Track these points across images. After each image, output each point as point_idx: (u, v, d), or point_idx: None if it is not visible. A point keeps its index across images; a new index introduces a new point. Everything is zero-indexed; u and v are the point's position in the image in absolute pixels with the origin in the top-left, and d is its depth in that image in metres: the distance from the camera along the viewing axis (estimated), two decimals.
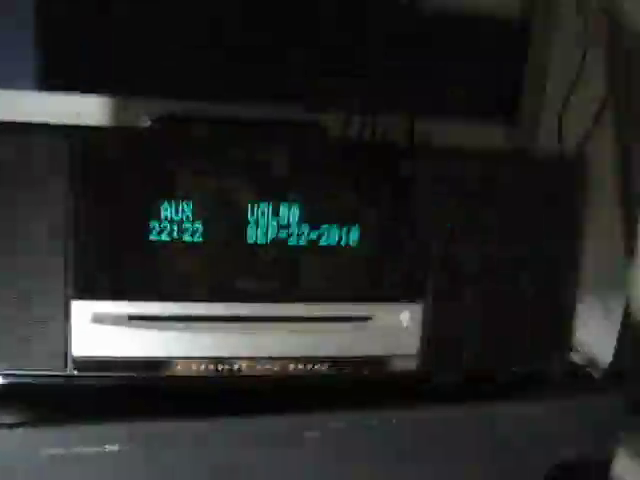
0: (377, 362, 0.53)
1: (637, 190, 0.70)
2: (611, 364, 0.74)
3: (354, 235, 0.51)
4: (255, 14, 0.80)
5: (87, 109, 0.84)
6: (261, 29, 0.81)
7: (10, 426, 0.48)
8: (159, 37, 0.77)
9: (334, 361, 0.52)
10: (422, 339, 0.53)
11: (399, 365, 0.53)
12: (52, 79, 0.76)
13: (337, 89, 0.84)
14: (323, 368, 0.52)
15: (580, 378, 0.66)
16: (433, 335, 0.53)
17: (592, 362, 0.72)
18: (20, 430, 0.48)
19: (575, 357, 0.70)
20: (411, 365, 0.53)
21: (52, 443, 0.48)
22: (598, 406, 0.61)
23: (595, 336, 0.75)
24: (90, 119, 0.84)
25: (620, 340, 0.74)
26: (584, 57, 0.83)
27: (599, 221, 0.82)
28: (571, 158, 0.55)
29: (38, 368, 0.48)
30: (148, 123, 0.59)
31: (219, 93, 0.79)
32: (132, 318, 0.49)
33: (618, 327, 0.74)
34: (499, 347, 0.55)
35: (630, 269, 0.72)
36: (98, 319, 0.48)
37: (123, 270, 0.48)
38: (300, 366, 0.51)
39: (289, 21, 0.81)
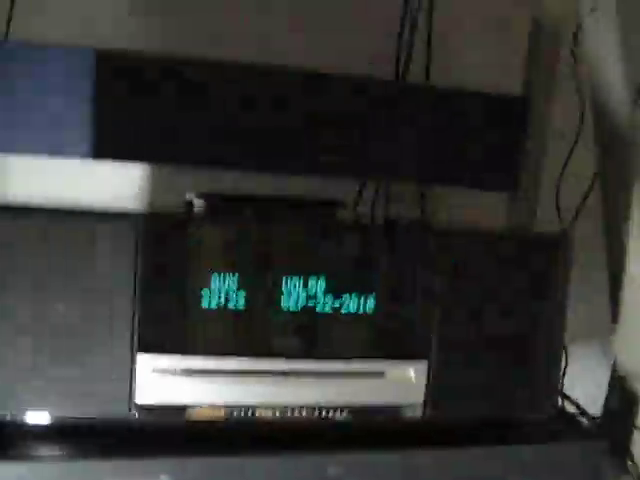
0: (389, 411, 0.62)
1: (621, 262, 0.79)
2: (602, 413, 0.82)
3: (370, 303, 0.61)
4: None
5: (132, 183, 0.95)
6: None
7: (70, 458, 0.58)
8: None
9: (352, 410, 0.62)
10: (427, 391, 0.63)
11: (408, 413, 0.63)
12: (105, 149, 0.86)
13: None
14: (343, 415, 0.61)
15: (570, 424, 0.75)
16: (436, 387, 0.63)
17: (583, 411, 0.81)
18: (80, 461, 0.58)
19: (568, 406, 0.79)
20: (418, 413, 0.63)
21: (109, 473, 0.58)
22: (584, 449, 0.69)
23: (586, 388, 0.84)
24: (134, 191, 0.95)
25: (608, 393, 0.82)
26: (576, 140, 0.93)
27: (591, 285, 0.91)
28: (554, 238, 0.65)
29: (108, 411, 0.58)
30: (193, 198, 0.70)
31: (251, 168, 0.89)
32: (186, 371, 0.59)
33: (607, 381, 0.83)
34: (496, 397, 0.65)
35: (615, 331, 0.81)
36: (157, 371, 0.58)
37: (180, 331, 0.58)
38: (324, 413, 0.61)
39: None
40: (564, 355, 0.88)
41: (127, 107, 0.85)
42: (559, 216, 0.97)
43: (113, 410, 0.58)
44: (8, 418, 0.58)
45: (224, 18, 0.92)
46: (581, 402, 0.83)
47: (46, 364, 0.57)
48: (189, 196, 0.72)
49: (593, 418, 0.81)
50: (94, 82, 0.83)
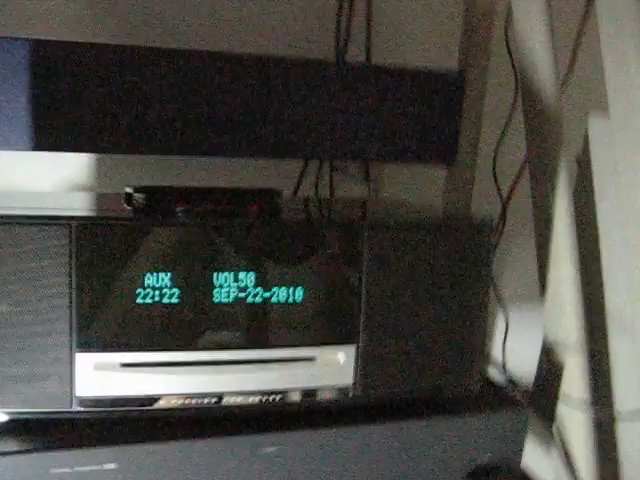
0: (321, 393, 0.66)
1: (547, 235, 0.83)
2: (534, 383, 0.88)
3: (299, 293, 0.64)
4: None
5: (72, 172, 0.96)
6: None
7: (24, 451, 0.60)
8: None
9: (286, 394, 0.65)
10: (355, 372, 0.66)
11: (338, 394, 0.67)
12: (43, 139, 0.87)
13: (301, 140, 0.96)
14: (278, 399, 0.65)
15: (498, 396, 0.79)
16: (364, 369, 0.66)
17: (513, 381, 0.86)
18: (33, 454, 0.60)
19: (498, 377, 0.84)
20: (348, 394, 0.67)
21: (59, 464, 0.61)
22: (508, 419, 0.74)
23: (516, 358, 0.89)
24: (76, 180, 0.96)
25: (539, 363, 0.87)
26: (514, 102, 0.95)
27: (523, 258, 0.96)
28: (477, 224, 0.68)
29: (49, 406, 0.61)
30: (131, 191, 0.72)
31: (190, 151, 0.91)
32: (124, 365, 0.62)
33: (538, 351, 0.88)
34: (423, 374, 0.69)
35: (544, 301, 0.85)
36: (98, 367, 0.61)
37: (118, 328, 0.61)
38: (260, 399, 0.64)
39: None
40: (505, 325, 0.93)
41: (63, 97, 0.85)
42: (498, 189, 1.00)
43: (54, 406, 0.61)
44: None
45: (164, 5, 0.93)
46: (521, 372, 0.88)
47: None
48: (128, 189, 0.74)
49: (524, 389, 0.86)
50: (30, 73, 0.83)
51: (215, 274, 0.62)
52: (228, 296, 0.63)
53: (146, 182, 0.74)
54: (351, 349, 0.66)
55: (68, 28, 0.93)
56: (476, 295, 0.69)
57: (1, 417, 0.62)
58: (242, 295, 0.63)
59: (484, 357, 0.71)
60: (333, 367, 0.66)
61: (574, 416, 0.81)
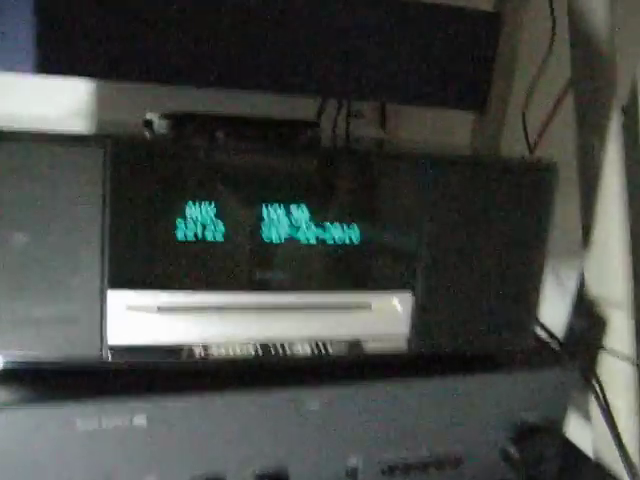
0: (373, 342, 0.60)
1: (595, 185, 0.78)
2: (566, 338, 0.83)
3: (355, 234, 0.58)
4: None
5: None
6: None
7: (47, 402, 0.53)
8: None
9: (338, 342, 0.59)
10: (412, 322, 0.61)
11: (393, 344, 0.61)
12: (53, 62, 0.79)
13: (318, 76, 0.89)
14: (328, 349, 0.59)
15: (543, 351, 0.75)
16: (421, 318, 0.61)
17: (554, 336, 0.82)
18: (56, 405, 0.53)
19: (540, 332, 0.79)
20: (403, 344, 0.61)
21: (86, 417, 0.54)
22: (556, 376, 0.69)
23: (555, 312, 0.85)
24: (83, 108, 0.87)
25: (573, 316, 0.83)
26: (550, 50, 0.90)
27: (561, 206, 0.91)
28: (543, 165, 0.63)
29: (76, 354, 0.54)
30: (154, 118, 0.64)
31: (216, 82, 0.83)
32: (161, 308, 0.55)
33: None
34: (475, 331, 0.63)
35: (585, 252, 0.81)
36: (131, 308, 0.54)
37: (154, 264, 0.54)
38: (309, 347, 0.58)
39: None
40: None
41: (75, 18, 0.77)
42: (526, 137, 0.95)
43: (82, 352, 0.54)
44: None
45: None
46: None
47: (5, 303, 0.52)
48: (149, 116, 0.66)
49: (562, 343, 0.81)
50: None
51: (265, 207, 0.55)
52: (278, 233, 0.56)
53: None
54: (407, 296, 0.60)
55: None
56: (537, 245, 0.64)
57: (19, 364, 0.54)
58: (294, 233, 0.56)
59: (537, 310, 0.66)
60: (389, 315, 0.60)
61: (617, 371, 0.77)
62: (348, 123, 1.01)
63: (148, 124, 0.65)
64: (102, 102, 0.90)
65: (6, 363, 0.53)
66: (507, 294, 0.63)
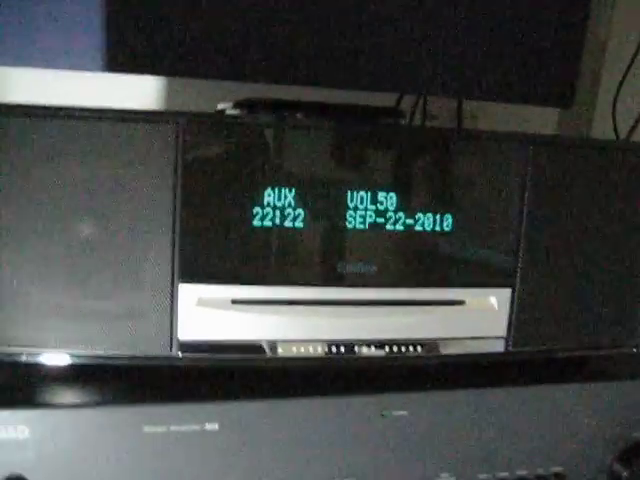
0: (467, 344, 0.54)
1: None
2: None
3: (448, 222, 0.52)
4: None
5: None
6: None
7: (113, 403, 0.49)
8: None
9: (427, 343, 0.53)
10: (510, 322, 0.54)
11: (489, 346, 0.55)
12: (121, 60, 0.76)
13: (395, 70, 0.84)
14: (419, 349, 0.53)
15: None
16: (521, 318, 0.54)
17: None
18: (124, 407, 0.49)
19: None
20: (500, 346, 0.55)
21: (155, 421, 0.50)
22: None
23: None
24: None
25: None
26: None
27: None
28: None
29: (144, 349, 0.50)
30: (226, 107, 0.60)
31: (288, 77, 0.79)
32: (235, 302, 0.50)
33: None
34: (580, 330, 0.57)
35: None
36: (203, 303, 0.50)
37: (229, 255, 0.50)
38: (397, 348, 0.53)
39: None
40: None
41: (145, 14, 0.74)
42: (615, 131, 0.88)
43: (151, 349, 0.50)
44: (24, 359, 0.50)
45: None
46: None
47: (68, 296, 0.48)
48: (221, 106, 0.62)
49: None
50: None
51: (350, 193, 0.50)
52: (364, 221, 0.51)
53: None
54: (506, 293, 0.54)
55: None
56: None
57: (76, 360, 0.50)
58: (381, 220, 0.51)
59: None
60: (484, 313, 0.54)
61: None
62: (424, 121, 0.96)
63: (220, 114, 0.61)
64: (171, 96, 0.87)
65: (73, 358, 0.49)
66: (613, 290, 0.56)
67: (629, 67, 0.87)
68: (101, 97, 0.82)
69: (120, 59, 0.76)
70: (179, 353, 0.50)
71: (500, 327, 0.54)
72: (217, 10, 0.76)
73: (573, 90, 0.88)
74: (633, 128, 0.87)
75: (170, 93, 0.87)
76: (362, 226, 0.51)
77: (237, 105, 0.59)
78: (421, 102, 0.95)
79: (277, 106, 0.57)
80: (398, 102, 0.93)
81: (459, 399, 0.55)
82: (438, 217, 0.52)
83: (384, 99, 0.90)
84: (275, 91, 0.80)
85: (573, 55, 0.87)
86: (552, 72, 0.87)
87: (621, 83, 0.88)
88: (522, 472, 0.59)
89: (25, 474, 0.48)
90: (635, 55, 0.86)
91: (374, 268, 0.52)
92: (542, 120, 0.95)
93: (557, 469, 0.59)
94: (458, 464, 0.56)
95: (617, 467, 0.60)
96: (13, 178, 0.47)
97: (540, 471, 0.59)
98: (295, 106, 0.56)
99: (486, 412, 0.56)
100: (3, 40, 0.73)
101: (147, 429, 0.50)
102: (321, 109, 0.58)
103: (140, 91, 0.86)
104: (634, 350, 0.59)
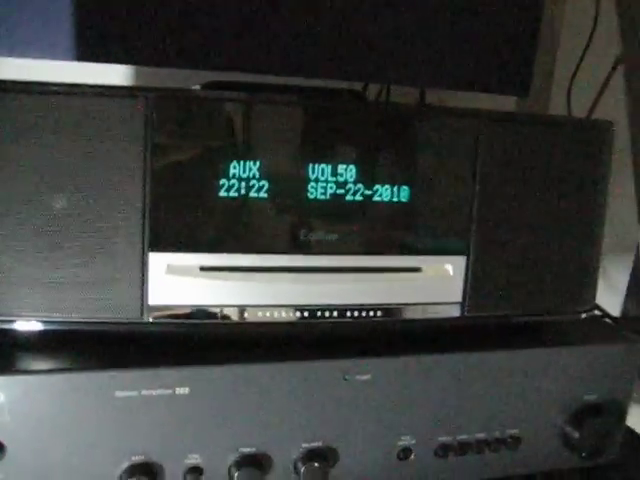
0: (423, 309, 0.57)
1: None
2: (622, 312, 0.79)
3: (405, 192, 0.55)
4: None
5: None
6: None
7: (86, 369, 0.51)
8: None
9: (386, 308, 0.56)
10: (465, 288, 0.57)
11: (445, 312, 0.58)
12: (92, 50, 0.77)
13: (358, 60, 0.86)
14: (376, 316, 0.56)
15: (602, 326, 0.71)
16: (475, 284, 0.58)
17: (606, 314, 0.78)
18: (96, 372, 0.51)
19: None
20: (455, 312, 0.58)
21: (126, 385, 0.52)
22: (620, 352, 0.65)
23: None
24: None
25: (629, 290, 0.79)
26: (595, 24, 0.87)
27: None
28: (599, 123, 0.60)
29: (116, 315, 0.52)
30: (198, 89, 0.63)
31: (255, 65, 0.81)
32: (203, 269, 0.53)
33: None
34: (532, 296, 0.60)
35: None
36: (173, 270, 0.52)
37: (196, 225, 0.52)
38: (357, 313, 0.55)
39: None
40: None
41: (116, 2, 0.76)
42: (568, 110, 0.92)
43: (122, 315, 0.52)
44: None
45: None
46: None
47: (42, 265, 0.50)
48: (194, 88, 0.64)
49: (616, 321, 0.77)
50: None
51: (311, 166, 0.53)
52: (325, 192, 0.54)
53: None
54: (461, 261, 0.57)
55: None
56: (594, 207, 0.61)
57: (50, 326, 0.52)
58: (340, 191, 0.54)
59: (596, 280, 0.63)
60: (440, 280, 0.57)
61: None
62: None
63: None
64: (141, 79, 0.88)
65: (46, 325, 0.51)
66: (565, 257, 0.60)
67: (582, 55, 0.91)
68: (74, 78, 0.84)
69: (91, 48, 0.77)
70: (150, 319, 0.52)
71: (456, 293, 0.57)
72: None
73: (529, 78, 0.92)
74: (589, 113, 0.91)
75: (139, 76, 0.88)
76: (323, 197, 0.54)
77: (204, 87, 0.61)
78: (384, 92, 0.98)
79: (243, 88, 0.59)
80: (363, 91, 0.96)
81: (419, 364, 0.57)
82: (395, 189, 0.55)
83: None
84: (240, 77, 0.83)
85: (529, 45, 0.90)
86: (509, 61, 0.91)
87: (576, 71, 0.91)
88: (480, 435, 0.61)
89: (1, 438, 0.50)
90: (589, 42, 0.90)
91: (335, 236, 0.54)
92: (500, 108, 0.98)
93: (513, 432, 0.62)
94: (419, 427, 0.59)
95: (569, 429, 0.64)
96: None
97: (497, 434, 0.62)
98: (260, 88, 0.59)
99: (445, 376, 0.58)
100: None
101: (119, 393, 0.52)
102: (286, 91, 0.60)
103: (108, 77, 0.87)
104: (582, 316, 0.63)
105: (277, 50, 0.81)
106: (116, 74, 0.87)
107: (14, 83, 0.49)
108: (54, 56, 0.76)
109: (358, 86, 0.92)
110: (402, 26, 0.86)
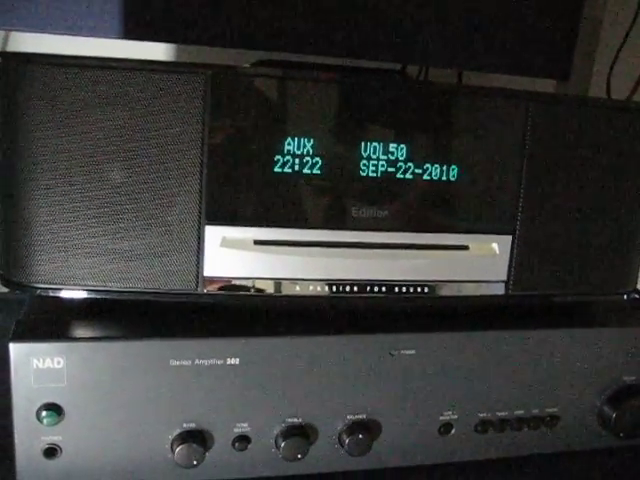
0: (470, 287, 0.58)
1: None
2: None
3: (454, 172, 0.56)
4: None
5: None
6: None
7: (142, 337, 0.53)
8: None
9: (433, 285, 0.57)
10: (510, 266, 0.58)
11: (490, 290, 0.59)
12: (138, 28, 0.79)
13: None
14: (425, 290, 0.57)
15: None
16: (521, 263, 0.58)
17: None
18: (152, 341, 0.53)
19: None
20: (500, 290, 0.59)
21: (180, 355, 0.53)
22: None
23: None
24: None
25: None
26: (637, 14, 0.87)
27: None
28: None
29: (172, 286, 0.53)
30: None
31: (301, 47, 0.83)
32: (257, 243, 0.54)
33: None
34: (576, 276, 0.61)
35: None
36: (228, 244, 0.53)
37: (252, 199, 0.53)
38: (404, 289, 0.57)
39: None
40: None
41: None
42: (608, 95, 0.92)
43: (178, 286, 0.53)
44: (62, 295, 0.53)
45: None
46: None
47: (101, 236, 0.52)
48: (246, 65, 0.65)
49: None
50: None
51: (363, 144, 0.54)
52: (376, 169, 0.55)
53: None
54: (507, 240, 0.58)
55: None
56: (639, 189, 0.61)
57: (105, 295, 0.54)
58: (392, 169, 0.55)
59: (638, 261, 0.63)
60: (486, 259, 0.58)
61: None
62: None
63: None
64: (187, 58, 0.90)
65: (105, 294, 0.53)
66: (608, 239, 0.61)
67: (624, 39, 0.91)
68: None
69: (137, 26, 0.79)
70: (204, 290, 0.54)
71: (501, 271, 0.59)
72: None
73: (570, 62, 0.92)
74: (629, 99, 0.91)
75: (185, 55, 0.89)
76: (375, 174, 0.55)
77: (253, 65, 0.63)
78: (422, 74, 0.99)
79: (292, 67, 0.60)
80: (402, 71, 0.97)
81: (462, 340, 0.59)
82: (445, 167, 0.56)
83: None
84: (281, 57, 0.84)
85: (570, 28, 0.90)
86: (550, 44, 0.91)
87: (616, 56, 0.91)
88: (519, 412, 0.62)
89: (59, 402, 0.52)
90: (631, 26, 0.90)
91: (386, 213, 0.55)
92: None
93: (552, 410, 0.63)
94: (460, 403, 0.60)
95: (606, 409, 0.64)
96: (50, 126, 0.50)
97: (536, 412, 0.63)
98: (311, 67, 0.60)
99: (487, 353, 0.60)
100: (25, 6, 0.76)
101: (173, 362, 0.53)
102: (335, 70, 0.61)
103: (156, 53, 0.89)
104: (625, 297, 0.63)
105: (321, 32, 0.82)
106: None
107: (72, 58, 0.50)
108: (105, 34, 0.78)
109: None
110: (445, 9, 0.86)
